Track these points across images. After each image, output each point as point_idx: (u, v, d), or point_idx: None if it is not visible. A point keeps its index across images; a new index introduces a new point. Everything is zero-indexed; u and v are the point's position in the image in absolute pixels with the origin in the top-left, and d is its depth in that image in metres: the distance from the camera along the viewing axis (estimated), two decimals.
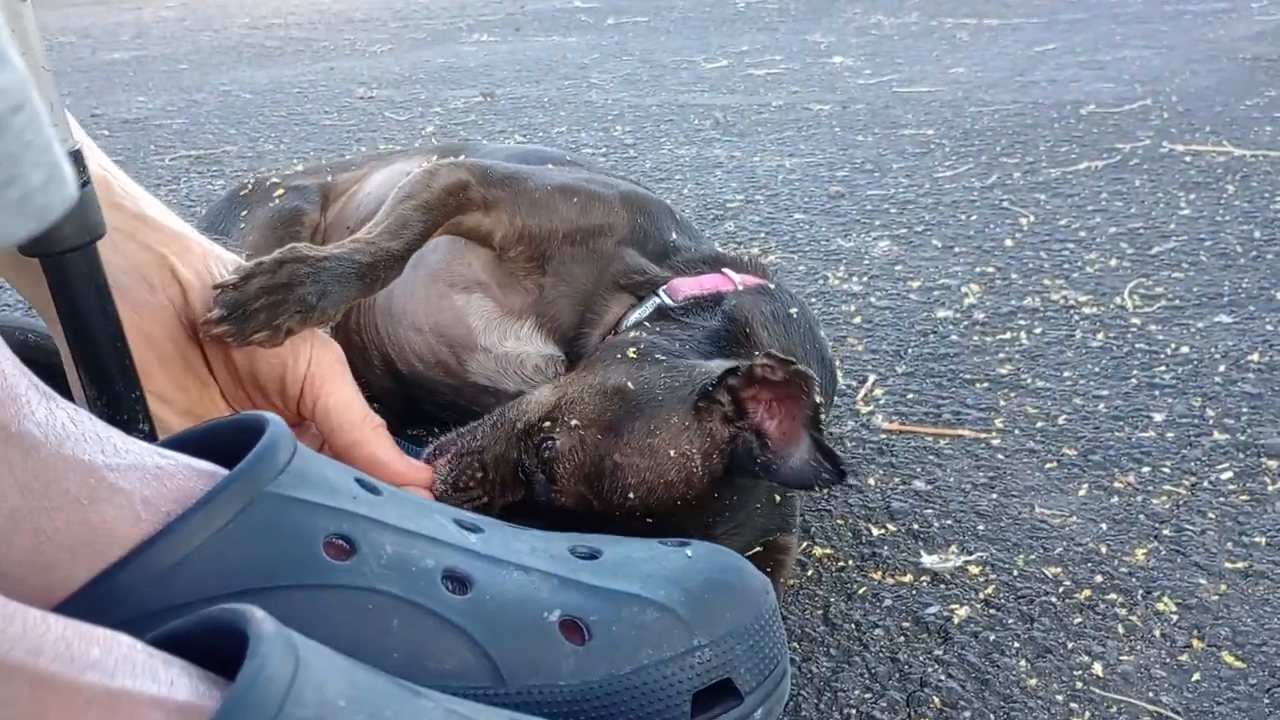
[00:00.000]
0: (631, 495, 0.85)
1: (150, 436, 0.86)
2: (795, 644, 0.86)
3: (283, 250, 0.89)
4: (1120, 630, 0.86)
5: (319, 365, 0.87)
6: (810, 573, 0.95)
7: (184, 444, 0.68)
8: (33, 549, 0.58)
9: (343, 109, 2.98)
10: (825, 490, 1.07)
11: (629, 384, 0.88)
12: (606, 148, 2.44)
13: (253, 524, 0.62)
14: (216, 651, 0.50)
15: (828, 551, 0.98)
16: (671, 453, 0.85)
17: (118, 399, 0.83)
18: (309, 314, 0.87)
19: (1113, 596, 0.90)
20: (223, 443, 0.68)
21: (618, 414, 0.87)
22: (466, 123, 2.75)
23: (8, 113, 0.33)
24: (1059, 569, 0.94)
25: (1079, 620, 0.88)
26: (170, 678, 0.47)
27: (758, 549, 0.88)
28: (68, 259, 0.80)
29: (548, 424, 0.88)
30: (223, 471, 0.64)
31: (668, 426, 0.86)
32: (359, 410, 0.87)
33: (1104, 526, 0.99)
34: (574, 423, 0.87)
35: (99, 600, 0.59)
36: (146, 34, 4.69)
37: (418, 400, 1.16)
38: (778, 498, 0.90)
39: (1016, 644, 0.85)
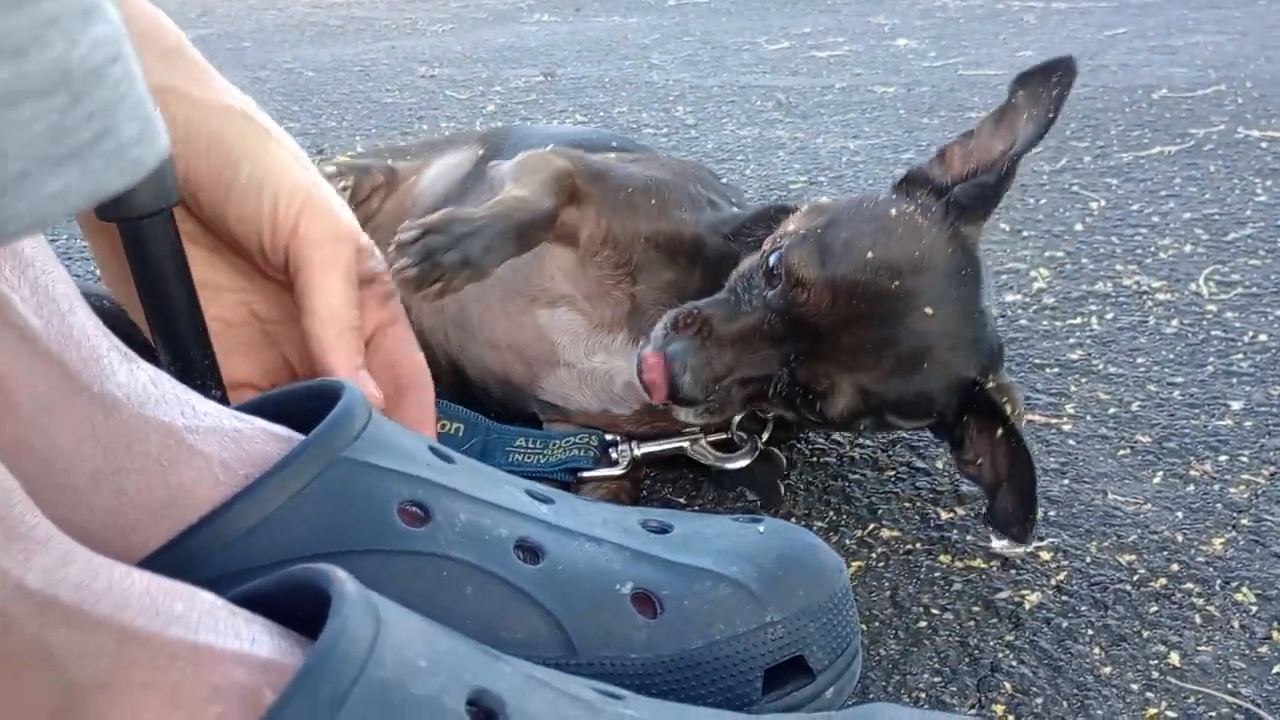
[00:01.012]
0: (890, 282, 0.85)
1: (224, 401, 0.87)
2: (863, 625, 0.85)
3: (445, 211, 0.90)
4: (1197, 620, 0.85)
5: (304, 241, 0.79)
6: (877, 555, 0.94)
7: (258, 409, 0.68)
8: (114, 510, 0.59)
9: (404, 87, 2.99)
10: (891, 473, 1.05)
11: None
12: (668, 129, 2.42)
13: (328, 489, 0.62)
14: (298, 611, 0.50)
15: (895, 534, 0.97)
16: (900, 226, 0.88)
17: (191, 364, 0.84)
18: (474, 269, 0.88)
19: (1189, 586, 0.88)
20: (297, 409, 0.69)
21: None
22: (527, 102, 2.75)
23: (105, 63, 0.33)
24: (1133, 556, 0.92)
25: (1154, 609, 0.86)
26: (253, 634, 0.47)
27: (990, 384, 0.89)
28: (144, 224, 0.80)
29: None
30: (298, 436, 0.65)
31: (888, 209, 0.89)
32: (334, 301, 0.79)
33: (1179, 515, 0.97)
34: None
35: (177, 562, 0.59)
36: (212, 12, 4.73)
37: (479, 400, 1.16)
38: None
39: (1090, 631, 0.84)
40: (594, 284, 1.03)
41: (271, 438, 0.64)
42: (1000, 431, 0.89)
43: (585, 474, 1.00)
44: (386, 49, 3.62)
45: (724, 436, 1.02)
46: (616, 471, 1.01)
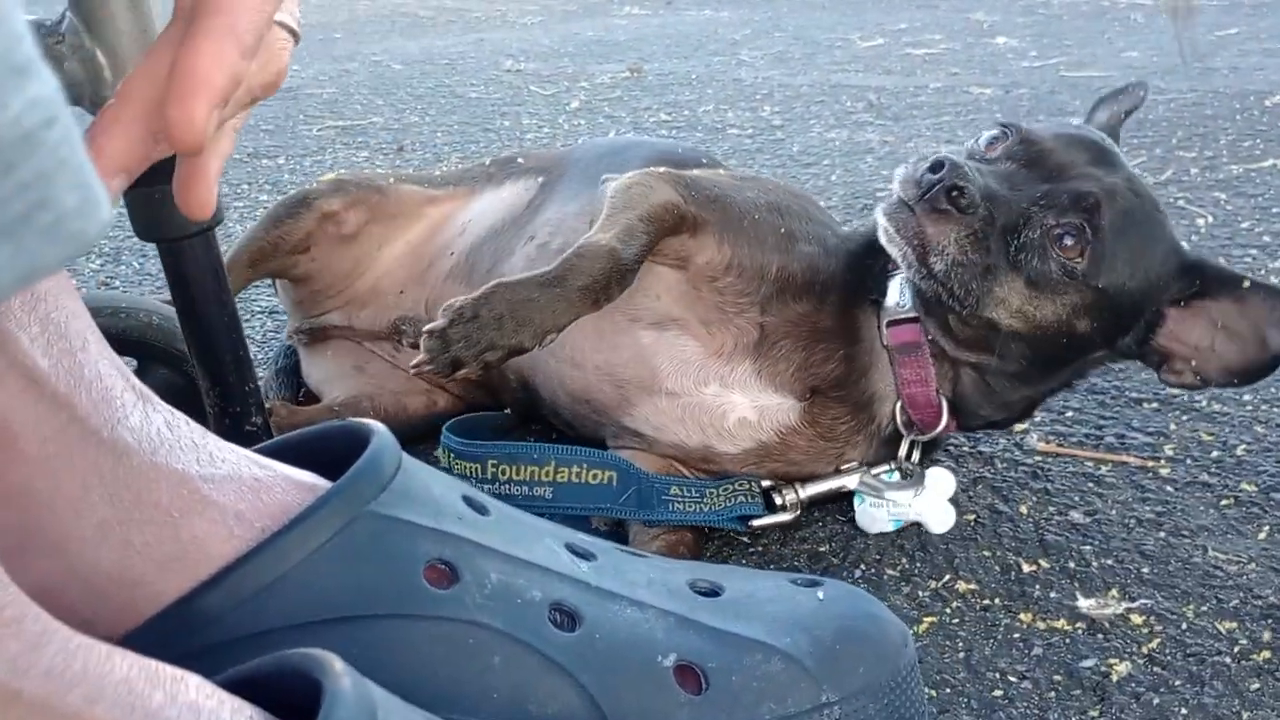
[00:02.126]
0: None
1: (264, 430, 0.84)
2: (933, 691, 0.79)
3: (486, 288, 0.88)
4: None
5: None
6: (952, 610, 0.88)
7: (286, 449, 0.64)
8: (120, 562, 0.55)
9: (489, 81, 2.96)
10: (971, 517, 0.99)
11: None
12: (753, 129, 2.36)
13: (351, 545, 0.58)
14: (292, 696, 0.46)
15: (973, 587, 0.90)
16: None
17: (230, 391, 0.81)
18: (507, 351, 0.87)
19: None
20: (328, 450, 0.64)
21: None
22: (612, 99, 2.70)
23: (39, 127, 0.28)
24: (1234, 624, 0.85)
25: (1256, 686, 0.79)
26: None
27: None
28: (185, 245, 0.78)
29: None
30: (324, 485, 0.61)
31: None
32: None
33: None
34: None
35: (186, 621, 0.55)
36: (305, 2, 4.76)
37: (544, 419, 1.11)
38: None
39: (1184, 710, 0.77)
40: (712, 309, 0.96)
41: (293, 486, 0.60)
42: (1227, 301, 0.89)
43: (755, 522, 0.96)
44: (474, 42, 3.60)
45: (889, 468, 0.97)
46: (787, 518, 0.97)
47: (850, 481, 0.98)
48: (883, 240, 0.89)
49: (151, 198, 0.74)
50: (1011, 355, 0.92)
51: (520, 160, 1.27)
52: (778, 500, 0.97)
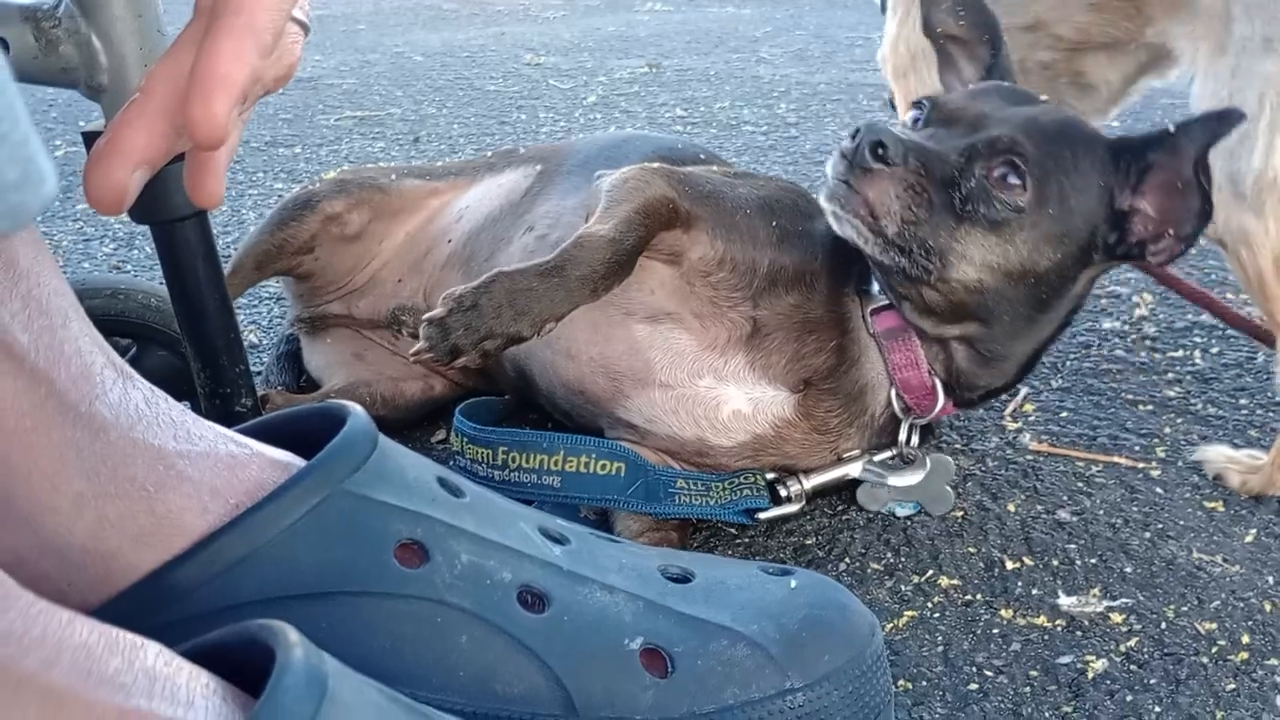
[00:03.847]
0: None
1: (253, 412, 0.85)
2: (908, 684, 0.80)
3: (486, 277, 0.88)
4: (1278, 702, 0.77)
5: None
6: (933, 604, 0.88)
7: (265, 430, 0.66)
8: (96, 535, 0.56)
9: (508, 75, 2.97)
10: (959, 514, 0.99)
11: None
12: (768, 125, 2.36)
13: (324, 523, 0.59)
14: (252, 665, 0.47)
15: (955, 582, 0.91)
16: None
17: (221, 372, 0.82)
18: (505, 339, 0.88)
19: (1273, 663, 0.81)
20: (307, 431, 0.66)
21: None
22: (629, 94, 2.71)
23: None
24: (1214, 625, 0.85)
25: (1231, 687, 0.79)
26: (191, 698, 0.44)
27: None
28: (178, 227, 0.79)
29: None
30: (299, 463, 0.62)
31: None
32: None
33: (1270, 580, 0.89)
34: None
35: (159, 594, 0.56)
36: None
37: (540, 408, 1.12)
38: None
39: (1158, 709, 0.77)
40: (706, 303, 0.97)
41: (269, 464, 0.61)
42: (1165, 156, 0.90)
43: (762, 514, 0.97)
44: (495, 35, 3.62)
45: (889, 455, 0.98)
46: (793, 509, 0.98)
47: (854, 469, 0.99)
48: (834, 226, 0.91)
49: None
50: (995, 315, 0.92)
51: (521, 150, 1.28)
52: (782, 492, 0.97)
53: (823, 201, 0.91)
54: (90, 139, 0.74)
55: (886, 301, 0.95)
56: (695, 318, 0.98)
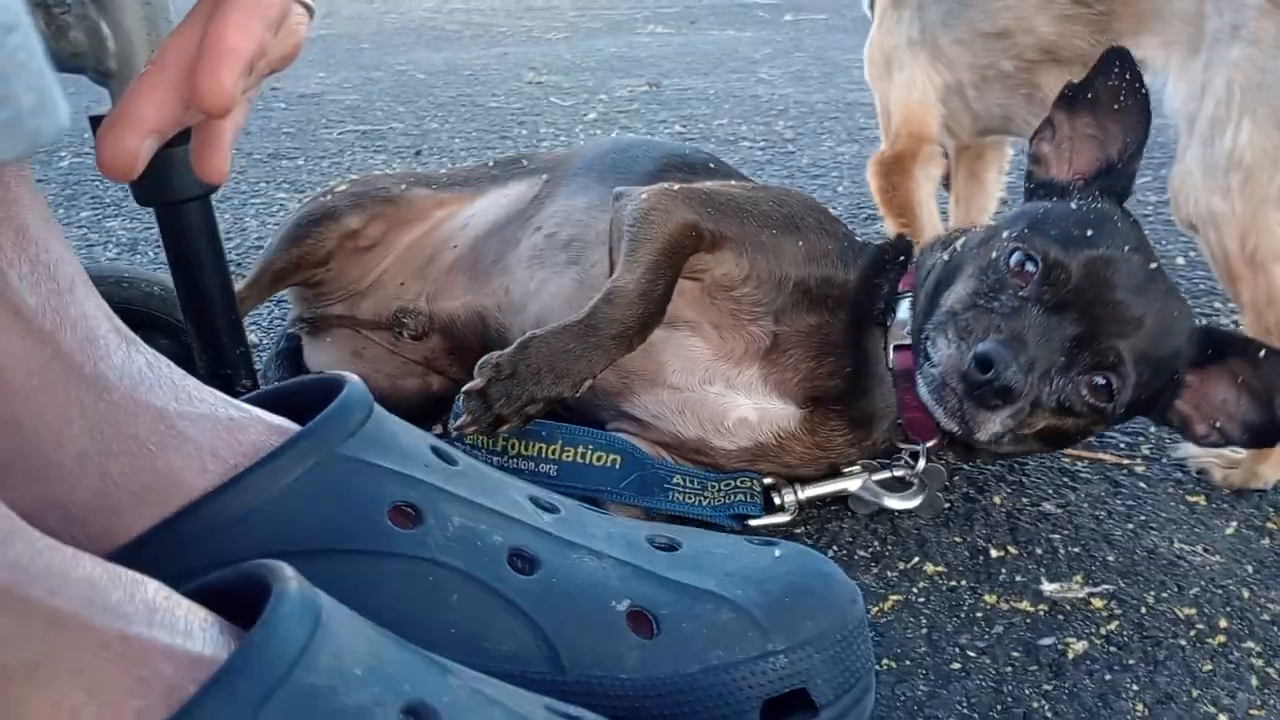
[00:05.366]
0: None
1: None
2: (892, 663, 0.81)
3: (520, 342, 0.90)
4: (1254, 682, 0.79)
5: None
6: (919, 590, 0.90)
7: (264, 400, 0.67)
8: (98, 492, 0.58)
9: (510, 92, 3.01)
10: (947, 506, 1.01)
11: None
12: (765, 142, 2.39)
13: (319, 484, 0.61)
14: (251, 606, 0.49)
15: (940, 569, 0.92)
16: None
17: (222, 353, 0.84)
18: (545, 403, 0.89)
19: (1250, 645, 0.82)
20: (305, 403, 0.67)
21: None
22: (629, 111, 2.74)
23: (0, 32, 0.31)
24: (1193, 610, 0.86)
25: (1209, 668, 0.80)
26: (190, 628, 0.45)
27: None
28: (182, 209, 0.81)
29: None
30: (295, 428, 0.63)
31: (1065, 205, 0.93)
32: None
33: (1249, 569, 0.91)
34: None
35: (159, 549, 0.58)
36: (336, 14, 4.84)
37: None
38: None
39: (1136, 686, 0.78)
40: (726, 315, 0.98)
41: (267, 429, 0.63)
42: (1242, 362, 0.90)
43: (753, 522, 0.98)
44: (498, 55, 3.65)
45: (889, 475, 0.99)
46: (784, 519, 0.99)
47: (852, 485, 0.99)
48: (925, 402, 0.90)
49: (150, 162, 0.77)
50: (1021, 440, 0.93)
51: (524, 161, 1.29)
52: (776, 500, 0.99)
53: (922, 389, 0.90)
54: (97, 122, 0.77)
55: (909, 341, 0.95)
56: (714, 328, 0.99)
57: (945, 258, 0.97)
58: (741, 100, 2.84)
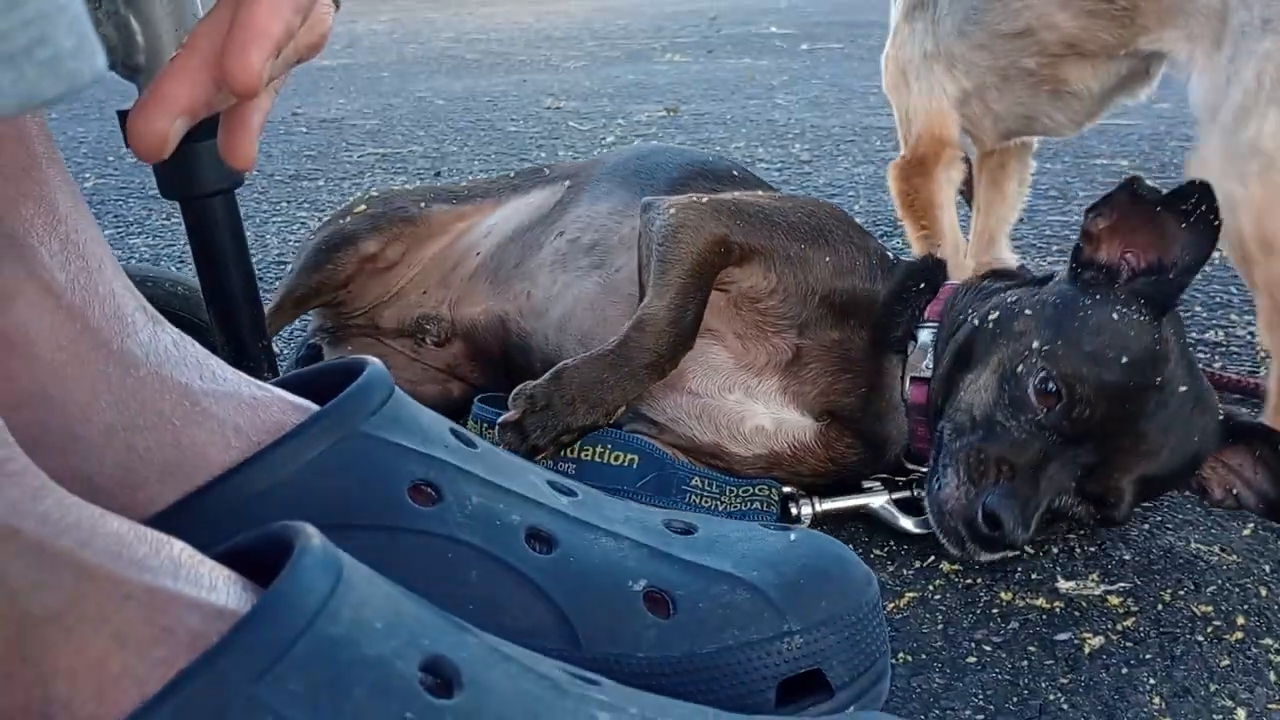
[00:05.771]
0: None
1: None
2: (908, 657, 0.81)
3: (552, 372, 0.91)
4: (1272, 678, 0.78)
5: None
6: (935, 586, 0.90)
7: (286, 386, 0.68)
8: (124, 465, 0.59)
9: (529, 117, 3.04)
10: None
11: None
12: (782, 163, 2.41)
13: (341, 461, 0.62)
14: (275, 569, 0.49)
15: (956, 567, 0.92)
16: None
17: (244, 347, 0.85)
18: (595, 422, 0.91)
19: (1268, 642, 0.82)
20: (326, 386, 0.68)
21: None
22: (647, 135, 2.76)
23: None
24: (1210, 608, 0.86)
25: (1226, 663, 0.80)
26: (214, 583, 0.46)
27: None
28: (208, 203, 0.82)
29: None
30: (317, 407, 0.64)
31: (1107, 313, 0.88)
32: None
33: (1267, 568, 0.91)
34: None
35: (182, 523, 0.58)
36: (357, 44, 4.90)
37: None
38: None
39: (1153, 681, 0.78)
40: (750, 325, 0.99)
41: (290, 407, 0.64)
42: (1262, 443, 0.91)
43: None
44: (517, 82, 3.69)
45: (909, 495, 0.98)
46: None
47: (873, 502, 0.98)
48: (931, 523, 0.90)
49: (176, 156, 0.78)
50: None
51: (546, 170, 1.30)
52: (793, 511, 0.98)
53: (930, 514, 0.89)
54: (124, 117, 0.78)
55: (927, 375, 0.96)
56: (737, 338, 1.00)
57: (975, 322, 0.94)
58: (758, 124, 2.87)
